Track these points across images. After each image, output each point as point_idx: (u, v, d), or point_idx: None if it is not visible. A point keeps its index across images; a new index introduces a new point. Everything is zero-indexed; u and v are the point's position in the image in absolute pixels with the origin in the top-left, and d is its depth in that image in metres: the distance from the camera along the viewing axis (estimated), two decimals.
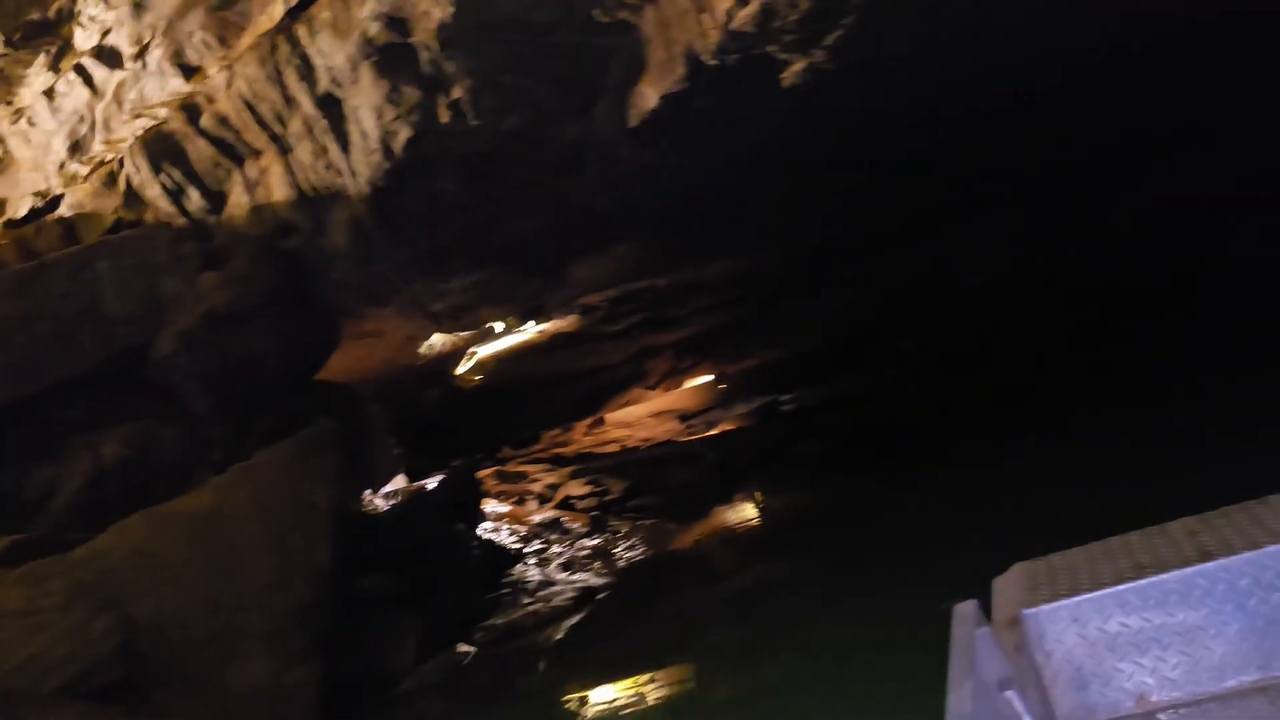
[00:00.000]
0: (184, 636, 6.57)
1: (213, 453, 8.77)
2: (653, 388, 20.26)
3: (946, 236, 13.80)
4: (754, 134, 8.78)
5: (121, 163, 10.28)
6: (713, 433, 18.85)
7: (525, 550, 11.59)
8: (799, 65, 7.38)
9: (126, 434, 8.54)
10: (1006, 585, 2.43)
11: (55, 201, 10.90)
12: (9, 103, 10.43)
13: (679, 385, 20.44)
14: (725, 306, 15.58)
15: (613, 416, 21.25)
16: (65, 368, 8.59)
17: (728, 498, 14.45)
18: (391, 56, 8.11)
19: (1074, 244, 14.61)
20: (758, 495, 14.35)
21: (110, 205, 10.37)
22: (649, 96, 7.89)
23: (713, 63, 7.26)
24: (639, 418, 21.06)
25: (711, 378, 20.10)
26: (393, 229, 9.52)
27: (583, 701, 7.23)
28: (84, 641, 6.14)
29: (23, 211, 10.97)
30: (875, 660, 6.67)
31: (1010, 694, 2.00)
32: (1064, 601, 2.23)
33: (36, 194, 10.98)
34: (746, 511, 13.51)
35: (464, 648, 8.58)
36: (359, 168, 8.98)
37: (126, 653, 6.28)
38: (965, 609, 2.21)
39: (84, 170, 10.64)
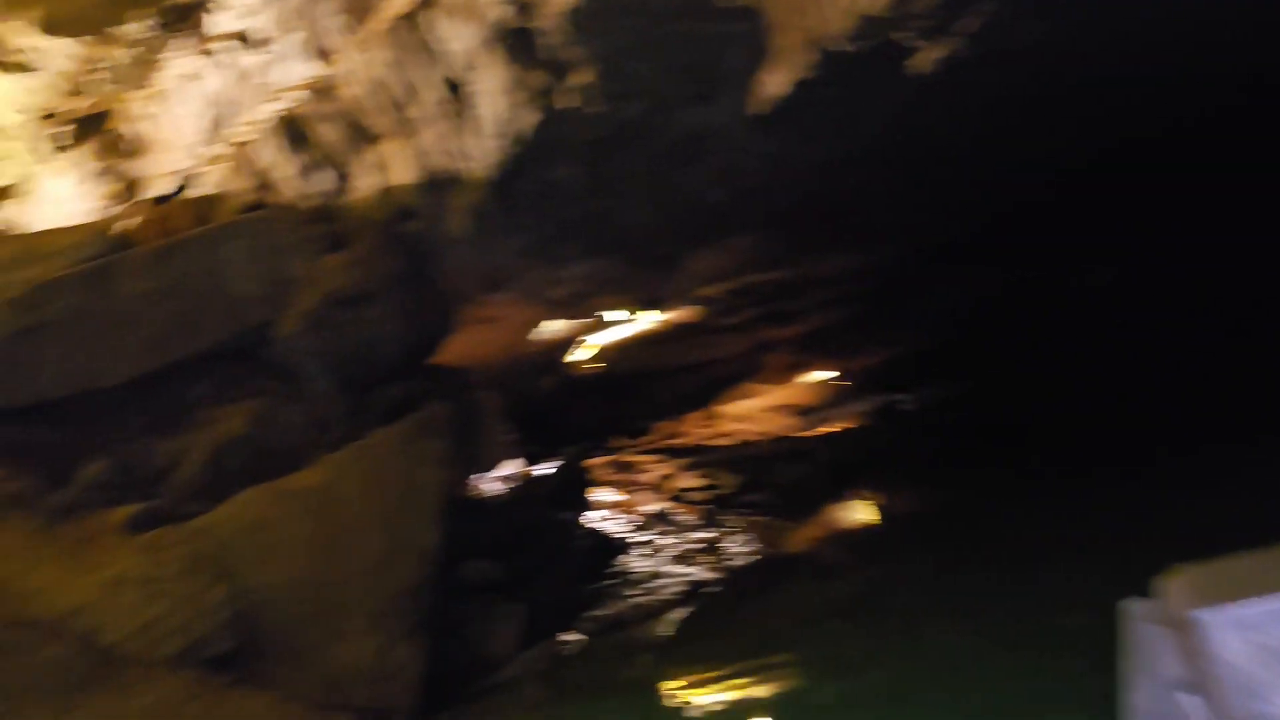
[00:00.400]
0: (291, 611, 6.69)
1: (329, 432, 8.93)
2: (768, 382, 19.98)
3: (1076, 233, 13.16)
4: (879, 125, 8.48)
5: (254, 145, 10.57)
6: (828, 430, 18.48)
7: (633, 541, 11.52)
8: (933, 53, 7.04)
9: (248, 410, 8.75)
10: (1172, 587, 2.34)
11: (194, 181, 11.29)
12: (153, 85, 10.82)
13: (795, 380, 20.09)
14: (844, 302, 15.20)
15: (727, 410, 21.04)
16: (192, 344, 8.84)
17: (841, 496, 14.14)
18: (517, 41, 8.09)
19: (1214, 243, 13.77)
20: (872, 495, 14.02)
21: (242, 186, 10.67)
22: (771, 85, 7.66)
23: (840, 50, 6.98)
24: (753, 412, 20.79)
25: (828, 374, 19.69)
26: (510, 215, 9.54)
27: (686, 697, 7.09)
28: (198, 611, 6.31)
29: (165, 190, 11.39)
30: (991, 669, 6.41)
31: (1186, 696, 1.98)
32: (1237, 607, 2.13)
33: (178, 174, 11.39)
34: (860, 511, 13.21)
35: (567, 637, 8.53)
36: (479, 153, 9.01)
37: (237, 624, 6.42)
38: (1137, 607, 2.18)
39: (219, 152, 10.98)
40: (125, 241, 9.56)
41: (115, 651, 5.84)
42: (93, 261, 8.87)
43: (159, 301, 8.81)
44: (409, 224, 9.89)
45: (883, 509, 13.11)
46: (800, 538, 12.17)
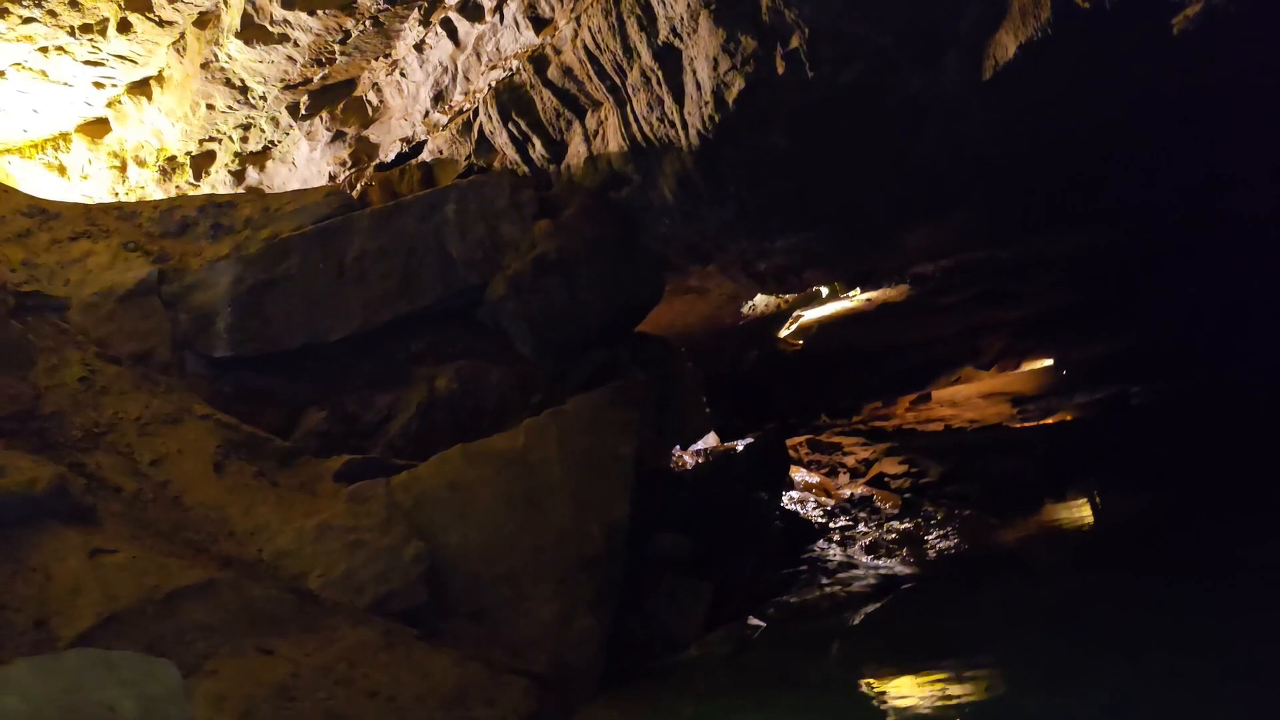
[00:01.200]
0: (481, 572, 6.82)
1: (532, 396, 9.07)
2: (985, 367, 18.97)
3: None
4: (1125, 92, 7.66)
5: (476, 112, 10.83)
6: (1048, 421, 17.37)
7: (829, 526, 11.16)
8: (1193, 8, 6.25)
9: (458, 370, 9.00)
10: None
11: (418, 147, 11.72)
12: (387, 55, 11.26)
13: (1015, 367, 18.97)
14: (1073, 285, 14.10)
15: (939, 394, 20.18)
16: (411, 302, 9.17)
17: (1059, 493, 13.31)
18: (731, 5, 7.83)
19: None
20: (1094, 493, 13.10)
21: (464, 152, 10.99)
22: (1007, 46, 7.05)
23: (1087, 6, 6.31)
24: (967, 398, 19.86)
25: (1051, 361, 18.46)
26: (719, 184, 9.33)
27: (877, 694, 6.71)
28: (396, 564, 6.52)
29: (391, 156, 11.90)
30: (1220, 695, 5.71)
31: None
32: None
33: (403, 140, 11.86)
34: (1079, 510, 12.34)
35: (754, 621, 8.31)
36: (690, 120, 8.83)
37: (430, 580, 6.60)
38: None
39: (443, 119, 11.34)
40: (355, 204, 10.06)
41: (317, 596, 6.12)
42: (324, 222, 9.35)
43: (382, 261, 9.18)
44: (619, 191, 9.87)
45: (1102, 510, 12.19)
46: (1009, 535, 11.49)
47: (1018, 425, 17.20)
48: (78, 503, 6.00)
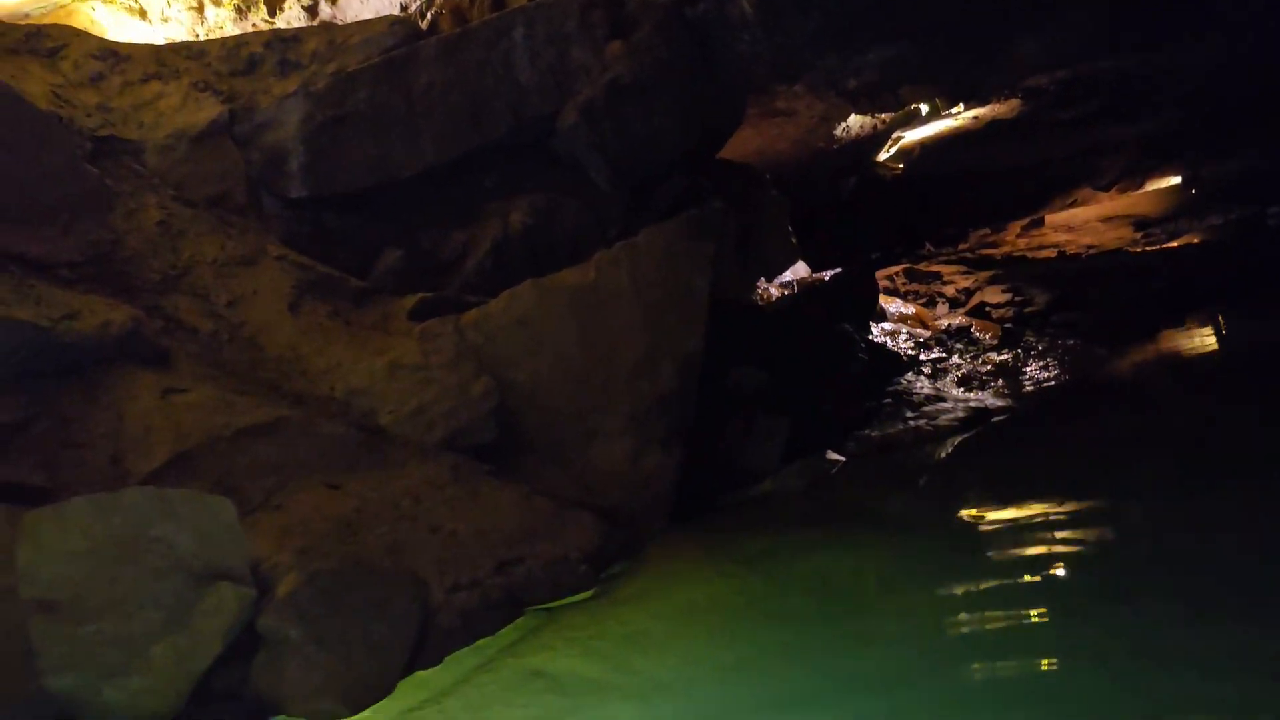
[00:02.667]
0: (552, 408, 6.77)
1: (608, 228, 8.82)
2: (1105, 188, 17.77)
3: None
4: None
5: None
6: (1174, 245, 16.31)
7: (919, 359, 10.76)
8: None
9: (532, 204, 8.78)
10: None
11: None
12: None
13: (1138, 187, 17.74)
14: (1206, 98, 12.83)
15: (1054, 219, 19.10)
16: (482, 135, 8.89)
17: (1180, 321, 12.58)
18: None
19: None
20: (1219, 321, 12.34)
21: None
22: None
23: None
24: (1085, 222, 18.76)
25: (1179, 180, 17.16)
26: None
27: (964, 530, 6.42)
28: (465, 400, 6.51)
29: None
30: None
31: None
32: None
33: None
34: (1202, 339, 11.65)
35: (833, 456, 8.12)
36: None
37: (500, 416, 6.58)
38: None
39: None
40: (422, 33, 9.68)
41: (388, 433, 6.16)
42: (390, 53, 9.04)
43: (450, 93, 8.87)
44: (694, 7, 9.23)
45: (1227, 338, 11.46)
46: (1120, 366, 10.93)
47: (1140, 250, 16.20)
48: (153, 344, 6.11)
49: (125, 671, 4.01)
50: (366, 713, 4.58)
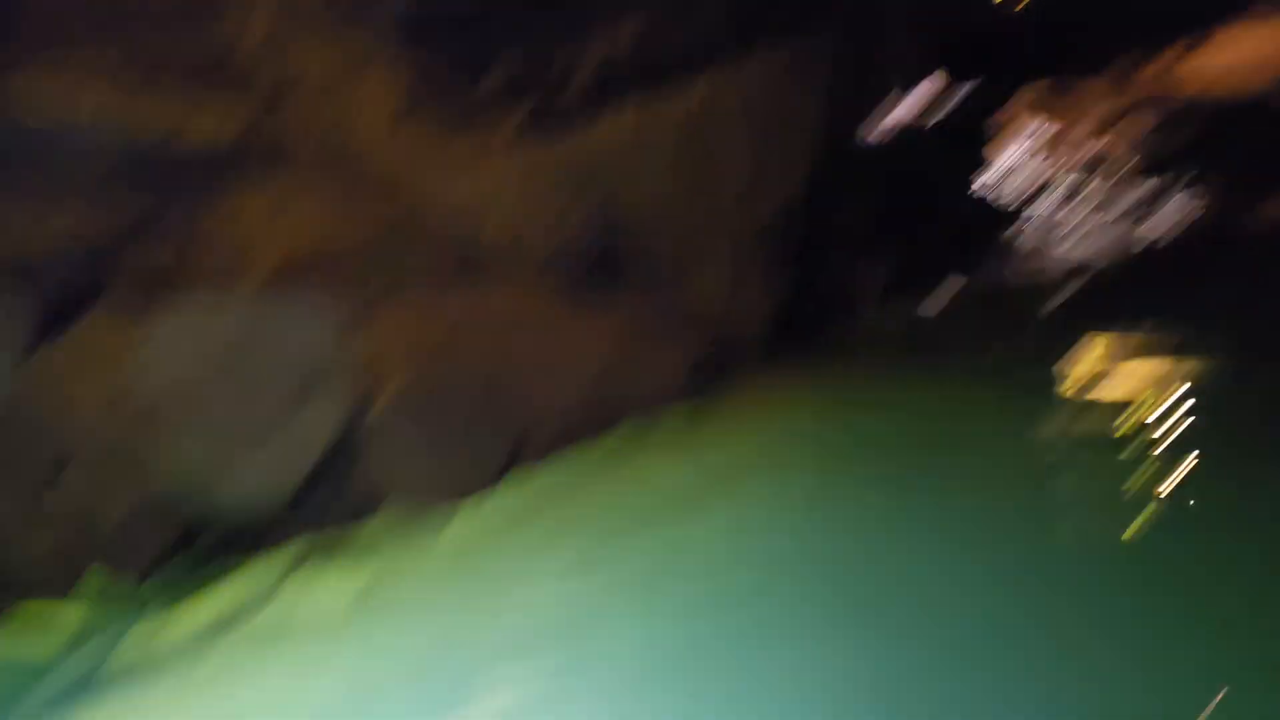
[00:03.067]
0: (654, 233, 6.74)
1: (718, 53, 8.49)
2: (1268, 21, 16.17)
3: None
4: None
5: None
6: None
7: (1035, 198, 10.21)
8: None
9: (639, 23, 8.48)
10: None
11: None
12: None
13: None
14: None
15: (1211, 56, 17.53)
16: None
17: None
18: None
19: None
20: None
21: None
22: None
23: None
24: (1240, 56, 17.21)
25: None
26: None
27: (1073, 380, 6.27)
28: (568, 220, 6.52)
29: None
30: None
31: None
32: None
33: None
34: None
35: (936, 298, 7.93)
36: None
37: (602, 238, 6.59)
38: None
39: None
40: None
41: (489, 254, 6.25)
42: None
43: None
44: None
45: None
46: (1264, 210, 10.26)
47: None
48: (264, 153, 6.24)
49: (236, 469, 4.29)
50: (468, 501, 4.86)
